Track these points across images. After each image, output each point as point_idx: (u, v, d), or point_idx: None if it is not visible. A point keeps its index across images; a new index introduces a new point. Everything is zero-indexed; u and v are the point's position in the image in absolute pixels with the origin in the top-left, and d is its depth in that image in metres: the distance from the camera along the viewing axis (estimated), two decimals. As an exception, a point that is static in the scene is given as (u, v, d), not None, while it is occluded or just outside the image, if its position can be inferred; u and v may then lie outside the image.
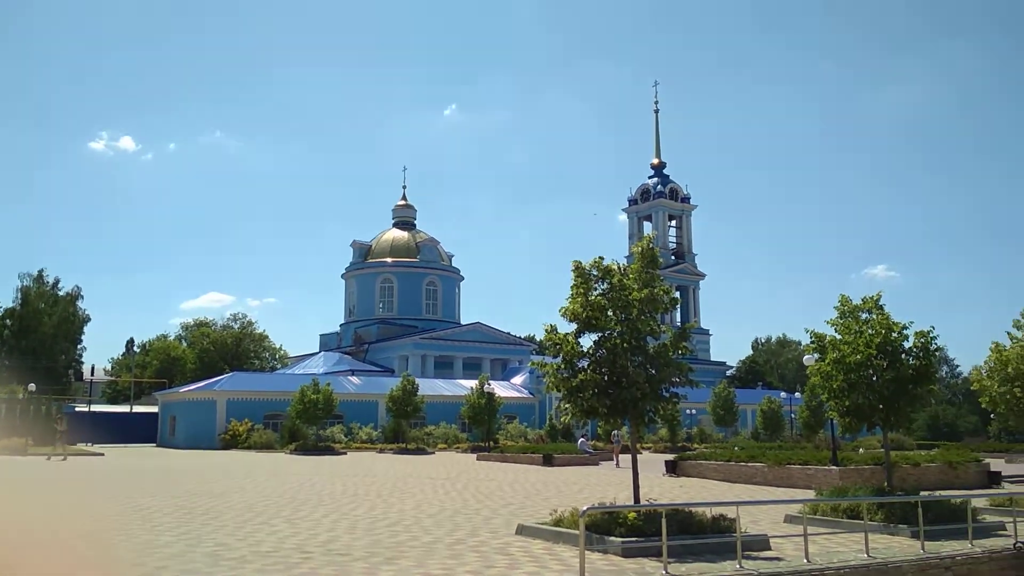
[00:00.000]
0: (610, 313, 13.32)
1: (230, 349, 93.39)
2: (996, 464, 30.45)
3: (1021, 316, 19.83)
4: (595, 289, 13.48)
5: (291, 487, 22.23)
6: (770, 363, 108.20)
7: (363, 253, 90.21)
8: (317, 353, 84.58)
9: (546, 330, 13.75)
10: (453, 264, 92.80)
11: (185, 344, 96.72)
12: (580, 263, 13.47)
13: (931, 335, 16.21)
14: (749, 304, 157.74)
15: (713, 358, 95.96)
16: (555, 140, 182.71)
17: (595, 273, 13.51)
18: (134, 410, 67.76)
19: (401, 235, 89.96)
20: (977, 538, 12.48)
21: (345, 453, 44.38)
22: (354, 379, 64.71)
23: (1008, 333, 19.80)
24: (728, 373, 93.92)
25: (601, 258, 13.58)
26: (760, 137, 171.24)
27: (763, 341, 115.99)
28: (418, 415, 51.24)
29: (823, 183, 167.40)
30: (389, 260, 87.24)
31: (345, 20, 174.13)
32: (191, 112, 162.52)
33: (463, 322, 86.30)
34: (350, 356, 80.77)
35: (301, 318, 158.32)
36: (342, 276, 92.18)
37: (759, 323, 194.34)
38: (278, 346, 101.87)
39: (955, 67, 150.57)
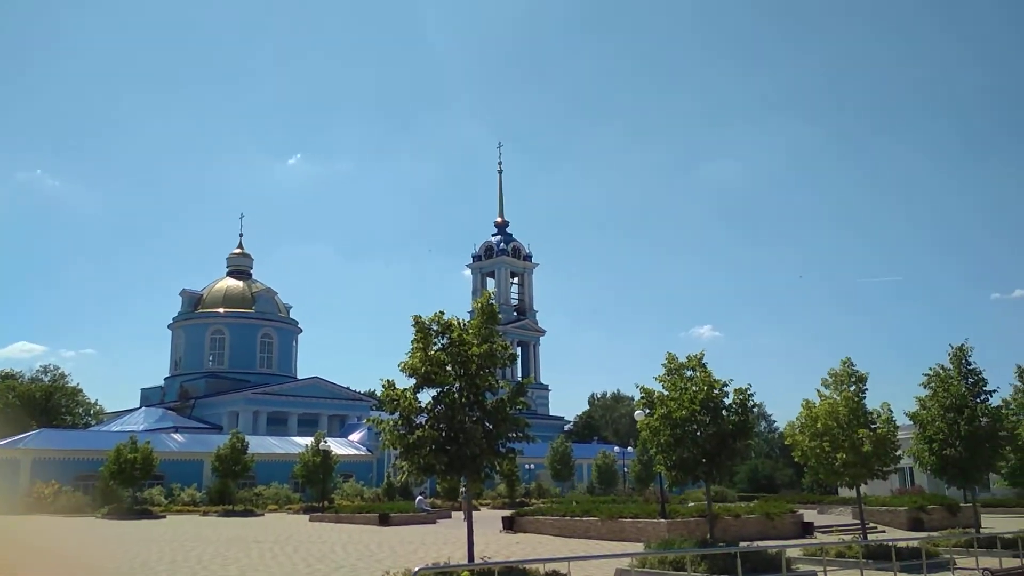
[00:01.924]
0: (449, 368, 13.32)
1: (39, 403, 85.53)
2: (809, 515, 32.46)
3: (829, 375, 21.49)
4: (435, 344, 13.46)
5: (99, 555, 20.42)
6: (605, 418, 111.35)
7: (193, 302, 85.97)
8: (138, 408, 79.16)
9: (384, 385, 13.55)
10: (291, 316, 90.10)
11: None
12: (420, 318, 13.43)
13: (748, 392, 17.30)
14: (587, 360, 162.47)
15: (552, 413, 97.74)
16: (401, 194, 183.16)
17: (435, 328, 13.51)
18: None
19: (235, 284, 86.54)
20: (790, 585, 13.21)
21: (164, 516, 41.43)
22: (178, 436, 60.87)
23: (817, 391, 21.39)
24: (566, 428, 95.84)
25: (441, 313, 13.61)
26: (598, 199, 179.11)
27: (599, 396, 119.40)
28: (247, 475, 48.81)
29: (654, 246, 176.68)
30: (222, 310, 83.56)
31: (185, 60, 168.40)
32: (7, 146, 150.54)
33: (300, 376, 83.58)
34: (175, 412, 76.06)
35: (122, 371, 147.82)
36: (169, 326, 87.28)
37: (596, 378, 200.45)
38: (93, 400, 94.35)
39: (778, 141, 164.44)
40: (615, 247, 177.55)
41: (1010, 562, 17.30)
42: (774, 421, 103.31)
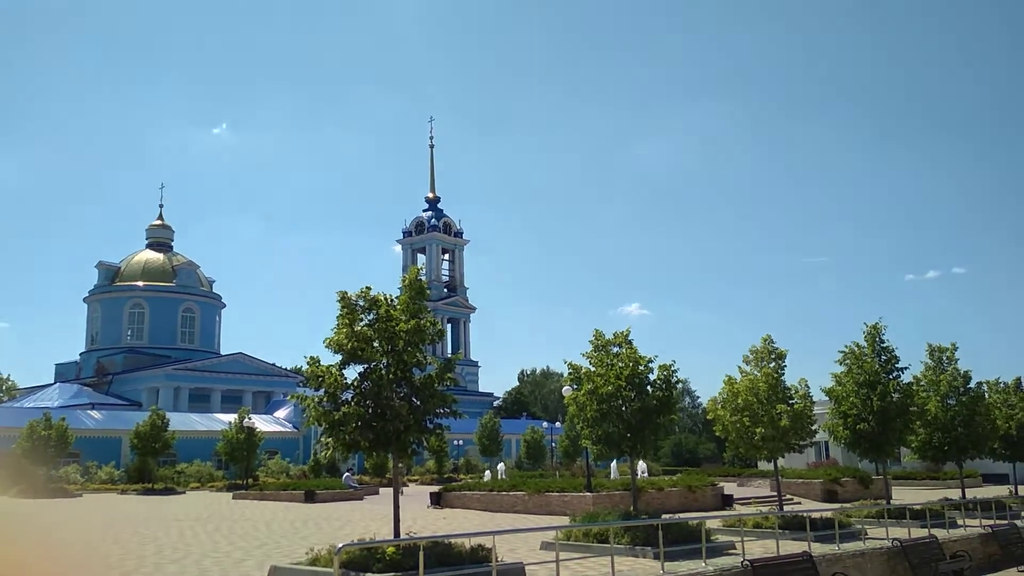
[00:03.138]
0: (376, 344, 13.12)
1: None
2: (730, 487, 33.43)
3: (750, 352, 22.04)
4: (361, 320, 13.24)
5: (9, 535, 19.65)
6: (535, 394, 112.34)
7: (110, 275, 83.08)
8: (52, 384, 76.26)
9: (308, 362, 13.29)
10: (214, 290, 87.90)
11: None
12: (346, 293, 13.19)
13: (673, 368, 17.61)
14: (517, 337, 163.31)
15: (481, 389, 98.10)
16: (331, 167, 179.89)
17: (362, 304, 13.28)
18: None
19: (156, 257, 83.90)
20: (711, 557, 13.54)
21: (80, 495, 40.13)
22: (94, 413, 58.98)
23: (739, 368, 21.94)
24: (495, 404, 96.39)
25: (368, 288, 13.38)
26: (531, 176, 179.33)
27: (529, 372, 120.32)
28: (168, 452, 47.68)
29: (586, 224, 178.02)
30: (141, 284, 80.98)
31: (106, 24, 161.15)
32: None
33: (223, 352, 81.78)
34: (91, 388, 73.64)
35: (35, 345, 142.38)
36: (85, 300, 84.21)
37: (526, 355, 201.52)
38: (5, 376, 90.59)
39: (700, 125, 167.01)
40: (547, 224, 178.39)
41: (918, 532, 18.13)
42: (698, 397, 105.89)
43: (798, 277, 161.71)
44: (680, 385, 19.01)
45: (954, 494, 27.43)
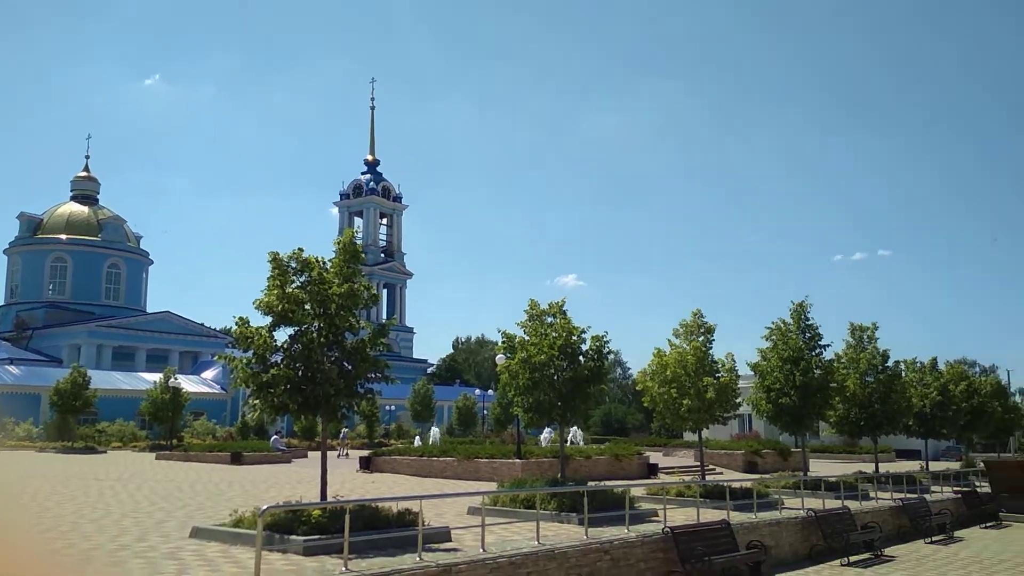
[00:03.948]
0: (308, 307, 12.93)
1: None
2: (655, 457, 34.19)
3: (680, 326, 22.45)
4: (293, 282, 13.01)
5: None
6: (469, 361, 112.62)
7: (32, 227, 79.86)
8: (-34, 339, 73.40)
9: (237, 323, 13.01)
10: (142, 246, 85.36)
11: None
12: (277, 254, 12.92)
13: (605, 340, 17.84)
14: (454, 304, 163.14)
15: (416, 356, 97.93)
16: (269, 125, 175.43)
17: (294, 265, 13.04)
18: None
19: (80, 210, 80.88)
20: (634, 524, 13.86)
21: (-5, 453, 38.85)
22: (12, 369, 57.04)
23: (668, 340, 22.33)
24: (429, 370, 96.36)
25: (301, 250, 13.15)
26: (474, 143, 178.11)
27: (464, 340, 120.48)
28: (89, 411, 46.41)
29: (527, 195, 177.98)
30: (64, 237, 78.08)
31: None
32: None
33: (150, 310, 79.69)
34: (9, 343, 71.04)
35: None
36: (4, 251, 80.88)
37: (462, 323, 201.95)
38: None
39: (647, 102, 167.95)
40: (489, 194, 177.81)
41: (832, 503, 18.88)
42: (629, 368, 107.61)
43: (735, 254, 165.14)
44: (612, 356, 19.34)
45: (868, 468, 28.60)
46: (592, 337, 17.74)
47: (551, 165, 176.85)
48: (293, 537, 10.83)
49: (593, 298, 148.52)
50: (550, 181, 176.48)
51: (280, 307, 12.66)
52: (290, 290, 12.80)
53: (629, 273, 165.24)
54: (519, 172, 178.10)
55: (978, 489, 26.30)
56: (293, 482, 23.63)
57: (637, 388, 24.47)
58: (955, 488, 26.29)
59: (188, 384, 54.35)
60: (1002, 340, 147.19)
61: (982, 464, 30.93)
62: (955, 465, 37.11)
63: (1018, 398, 73.02)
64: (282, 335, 13.12)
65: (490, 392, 61.89)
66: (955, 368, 37.11)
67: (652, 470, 29.67)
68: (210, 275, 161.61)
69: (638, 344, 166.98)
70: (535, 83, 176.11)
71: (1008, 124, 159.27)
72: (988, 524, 23.07)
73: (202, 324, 79.67)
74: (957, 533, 20.72)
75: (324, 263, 13.16)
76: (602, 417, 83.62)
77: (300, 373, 12.70)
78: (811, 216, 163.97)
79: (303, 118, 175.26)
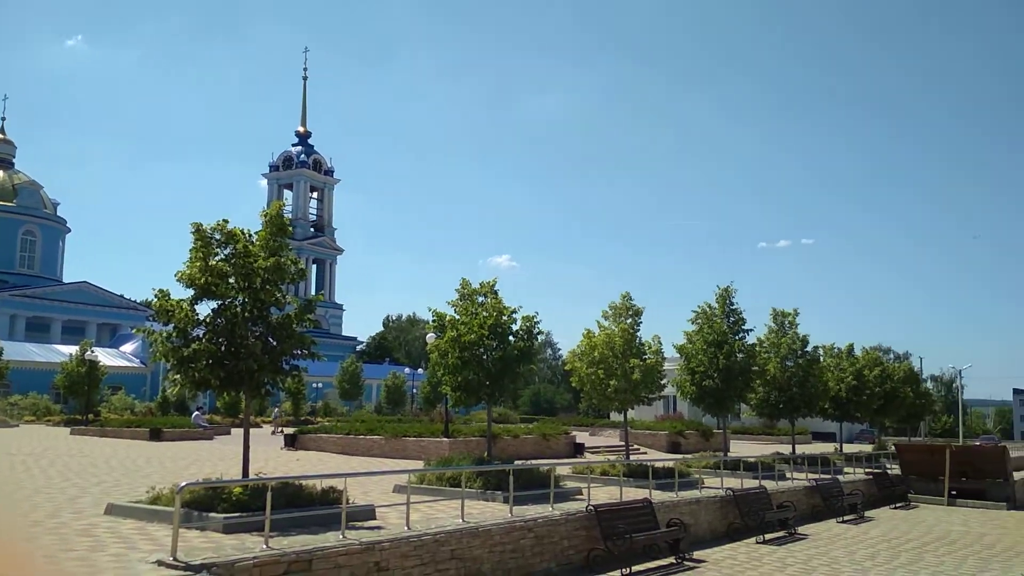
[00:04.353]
0: (232, 281, 12.60)
1: None
2: (582, 437, 34.65)
3: (609, 308, 22.72)
4: (217, 254, 12.65)
5: None
6: (399, 339, 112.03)
7: (-59, 190, 75.91)
8: None
9: (157, 295, 12.59)
10: (59, 214, 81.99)
11: None
12: (201, 225, 12.53)
13: (535, 320, 17.90)
14: (386, 282, 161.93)
15: (345, 333, 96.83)
16: (198, 93, 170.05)
17: (218, 237, 12.67)
18: None
19: (-6, 174, 77.24)
20: (559, 502, 14.01)
21: None
22: (-83, 339, 54.30)
23: (598, 322, 22.59)
24: (358, 348, 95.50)
25: (225, 221, 12.77)
26: (412, 120, 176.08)
27: (395, 318, 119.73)
28: (1, 382, 44.53)
29: (463, 174, 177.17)
30: (-25, 202, 74.47)
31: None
32: None
33: (66, 280, 76.75)
34: (-87, 311, 67.66)
35: None
36: (-90, 215, 76.74)
37: (393, 301, 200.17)
38: None
39: (586, 84, 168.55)
40: (425, 171, 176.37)
41: (750, 483, 19.44)
42: (559, 349, 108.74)
43: (665, 241, 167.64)
44: (541, 336, 19.42)
45: (786, 449, 29.52)
46: (523, 317, 17.79)
47: (489, 145, 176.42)
48: (213, 515, 10.61)
49: (526, 278, 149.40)
50: (487, 161, 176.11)
51: (203, 280, 12.32)
52: (214, 263, 12.45)
53: (563, 254, 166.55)
54: (457, 151, 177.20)
55: (889, 471, 27.41)
56: (215, 459, 23.15)
57: (566, 368, 24.70)
58: (867, 470, 27.35)
59: (106, 357, 52.65)
60: (917, 328, 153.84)
61: (893, 447, 32.23)
62: (868, 448, 38.60)
63: (929, 384, 76.50)
64: (205, 309, 12.79)
65: (420, 371, 61.66)
66: (870, 354, 38.54)
67: (579, 449, 30.04)
68: (132, 246, 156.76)
69: (570, 326, 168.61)
70: (477, 60, 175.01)
71: (934, 111, 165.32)
72: (897, 505, 24.10)
73: (122, 296, 77.24)
74: (868, 513, 21.58)
75: (250, 236, 12.84)
76: (531, 397, 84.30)
77: (223, 348, 12.40)
78: (739, 205, 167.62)
79: (235, 86, 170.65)
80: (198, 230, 12.46)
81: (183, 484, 9.67)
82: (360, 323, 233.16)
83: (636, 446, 32.24)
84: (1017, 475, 26.30)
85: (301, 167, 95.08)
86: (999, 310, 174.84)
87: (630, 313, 22.30)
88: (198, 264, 12.33)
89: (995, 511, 22.37)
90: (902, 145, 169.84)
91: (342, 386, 59.64)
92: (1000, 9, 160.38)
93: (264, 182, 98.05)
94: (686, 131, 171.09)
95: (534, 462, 18.47)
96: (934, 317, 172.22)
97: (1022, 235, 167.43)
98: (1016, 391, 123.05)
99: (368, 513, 12.02)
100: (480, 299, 17.89)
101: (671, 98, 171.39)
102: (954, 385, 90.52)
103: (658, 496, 15.78)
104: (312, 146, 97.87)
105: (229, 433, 37.14)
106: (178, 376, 12.69)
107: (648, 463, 18.50)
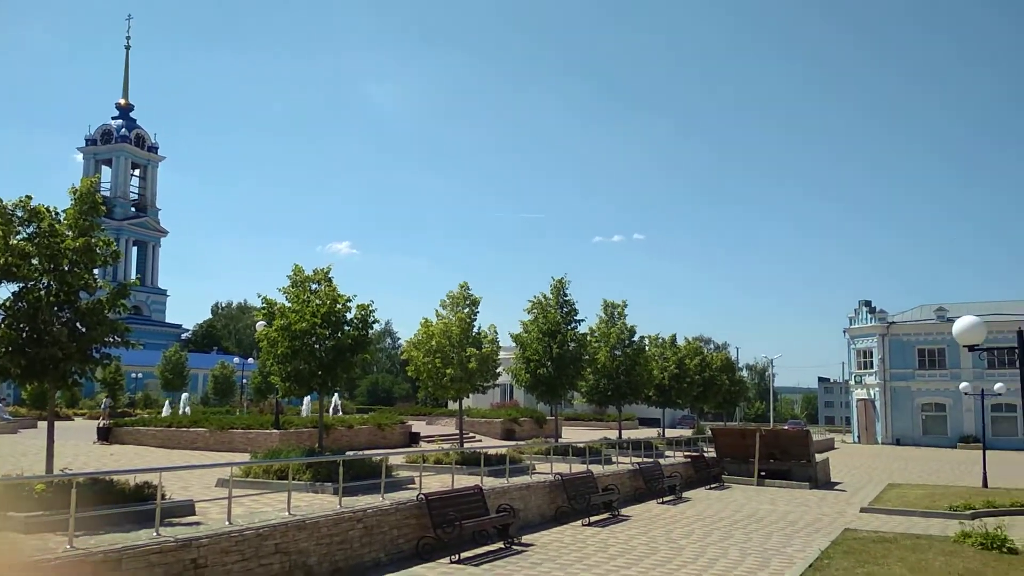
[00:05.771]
0: (35, 262, 11.62)
1: None
2: (419, 426, 34.59)
3: (447, 297, 22.81)
4: (19, 233, 11.62)
5: None
6: (229, 328, 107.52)
7: None
8: None
9: (-52, 276, 11.41)
10: None
11: None
12: (0, 201, 11.48)
13: (371, 308, 17.68)
14: (216, 267, 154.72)
15: (169, 320, 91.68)
16: (6, 54, 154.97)
17: (20, 214, 11.64)
18: None
19: None
20: (390, 491, 13.90)
21: None
22: None
23: (436, 311, 22.62)
24: (184, 336, 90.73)
25: (29, 197, 11.75)
26: (250, 100, 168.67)
27: (224, 306, 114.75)
28: None
29: (303, 157, 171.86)
30: None
31: None
32: None
33: None
34: None
35: None
36: None
37: (224, 287, 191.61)
38: None
39: (435, 73, 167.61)
40: (263, 153, 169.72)
41: (579, 467, 20.10)
42: (399, 338, 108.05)
43: (504, 234, 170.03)
44: (378, 325, 19.19)
45: (613, 435, 30.80)
46: (358, 306, 17.51)
47: (333, 129, 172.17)
48: (12, 513, 9.79)
49: (367, 266, 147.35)
50: (328, 144, 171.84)
51: (2, 260, 11.28)
52: (14, 242, 11.44)
53: (405, 244, 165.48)
54: (300, 134, 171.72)
55: (705, 454, 29.14)
56: (17, 454, 21.31)
57: (403, 358, 24.58)
58: (686, 453, 28.93)
59: None
60: (737, 320, 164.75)
61: (710, 431, 34.31)
62: (688, 432, 40.90)
63: (744, 373, 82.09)
64: (4, 292, 11.73)
65: (251, 360, 59.37)
66: (691, 344, 40.91)
67: (414, 439, 29.98)
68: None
69: (412, 316, 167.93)
70: (320, 42, 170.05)
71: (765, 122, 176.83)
72: (712, 485, 25.66)
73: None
74: (686, 494, 22.86)
75: (57, 213, 11.87)
76: (369, 386, 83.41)
77: (24, 334, 11.43)
78: (577, 201, 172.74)
79: (48, 48, 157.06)
80: (-2, 206, 11.39)
81: (-26, 483, 8.83)
82: (187, 310, 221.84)
83: (472, 434, 32.59)
84: (819, 457, 28.64)
85: (121, 142, 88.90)
86: (809, 305, 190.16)
87: (467, 303, 22.50)
88: (-3, 243, 11.27)
89: (799, 490, 24.25)
90: (727, 158, 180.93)
91: (165, 376, 56.45)
92: None
93: (80, 156, 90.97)
94: (523, 126, 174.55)
95: (368, 452, 18.27)
96: (750, 310, 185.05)
97: (824, 232, 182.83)
98: (821, 379, 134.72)
99: (187, 508, 11.47)
100: (313, 287, 17.47)
101: (516, 97, 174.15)
102: (766, 373, 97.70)
103: (490, 483, 16.01)
104: (135, 120, 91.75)
105: (35, 427, 34.36)
106: (-28, 365, 11.57)
107: (481, 450, 18.73)
